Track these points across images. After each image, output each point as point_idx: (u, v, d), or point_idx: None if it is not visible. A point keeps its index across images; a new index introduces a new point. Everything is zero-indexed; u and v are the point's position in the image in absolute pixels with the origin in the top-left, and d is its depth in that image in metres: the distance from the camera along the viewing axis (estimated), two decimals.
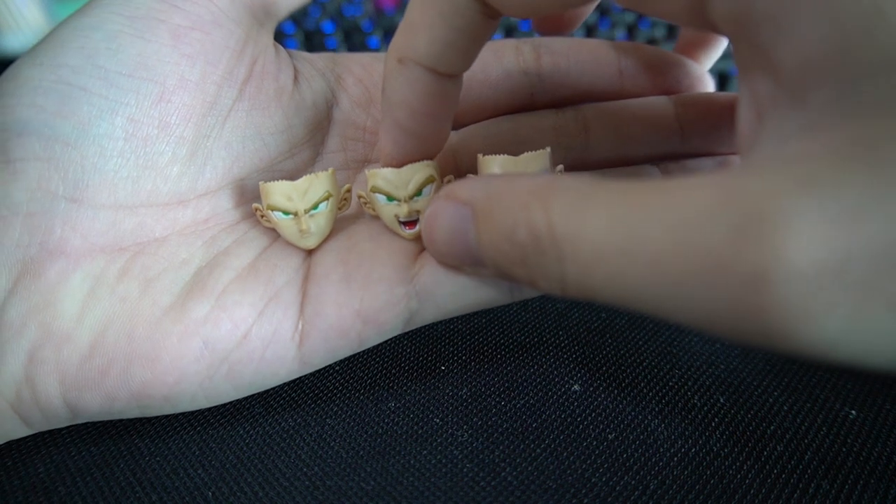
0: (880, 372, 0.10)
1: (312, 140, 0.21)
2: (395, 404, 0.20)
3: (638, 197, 0.11)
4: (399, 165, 0.18)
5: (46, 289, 0.16)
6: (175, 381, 0.17)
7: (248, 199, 0.20)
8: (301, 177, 0.19)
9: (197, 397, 0.17)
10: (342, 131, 0.21)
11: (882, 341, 0.09)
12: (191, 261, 0.18)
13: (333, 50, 0.41)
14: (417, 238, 0.19)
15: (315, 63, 0.22)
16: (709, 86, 0.22)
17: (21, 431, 0.17)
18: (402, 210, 0.18)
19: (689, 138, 0.21)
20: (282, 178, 0.19)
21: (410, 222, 0.19)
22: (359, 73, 0.22)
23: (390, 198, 0.18)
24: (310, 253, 0.19)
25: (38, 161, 0.16)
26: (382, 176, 0.18)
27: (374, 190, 0.18)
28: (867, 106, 0.10)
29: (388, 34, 0.41)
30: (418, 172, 0.19)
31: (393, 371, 0.21)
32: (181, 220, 0.18)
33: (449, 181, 0.20)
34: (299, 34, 0.42)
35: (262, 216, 0.19)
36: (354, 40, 0.41)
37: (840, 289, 0.09)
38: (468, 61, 0.17)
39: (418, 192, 0.18)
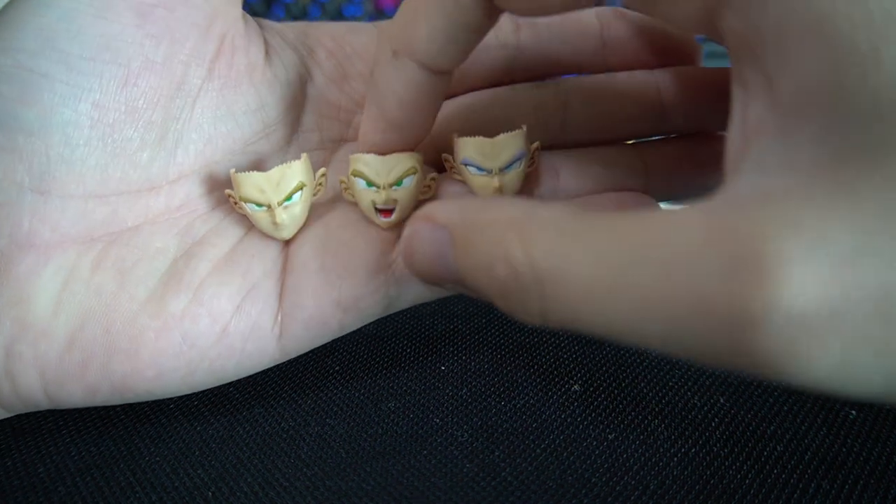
0: (867, 401, 0.10)
1: (287, 118, 0.20)
2: (395, 404, 0.20)
3: (623, 233, 0.11)
4: (380, 154, 0.18)
5: (18, 283, 0.16)
6: (155, 375, 0.17)
7: (222, 184, 0.19)
8: (276, 160, 0.18)
9: (180, 389, 0.17)
10: (317, 109, 0.21)
11: (867, 380, 0.10)
12: (166, 251, 0.18)
13: None
14: (391, 227, 0.19)
15: (285, 35, 0.21)
16: (698, 59, 0.21)
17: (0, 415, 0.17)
18: (380, 196, 0.18)
19: (671, 116, 0.20)
20: (256, 160, 0.19)
21: (386, 210, 0.18)
22: (330, 45, 0.21)
23: (370, 183, 0.18)
24: (287, 243, 0.19)
25: (1, 152, 0.16)
26: (365, 161, 0.18)
27: (355, 174, 0.18)
28: (851, 150, 0.10)
29: None
30: (401, 162, 0.18)
31: (393, 371, 0.21)
32: (154, 207, 0.18)
33: (433, 179, 0.20)
34: None
35: (236, 203, 0.18)
36: None
37: (830, 335, 0.09)
38: (462, 58, 0.17)
39: (398, 182, 0.18)
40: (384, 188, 0.18)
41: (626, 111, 0.20)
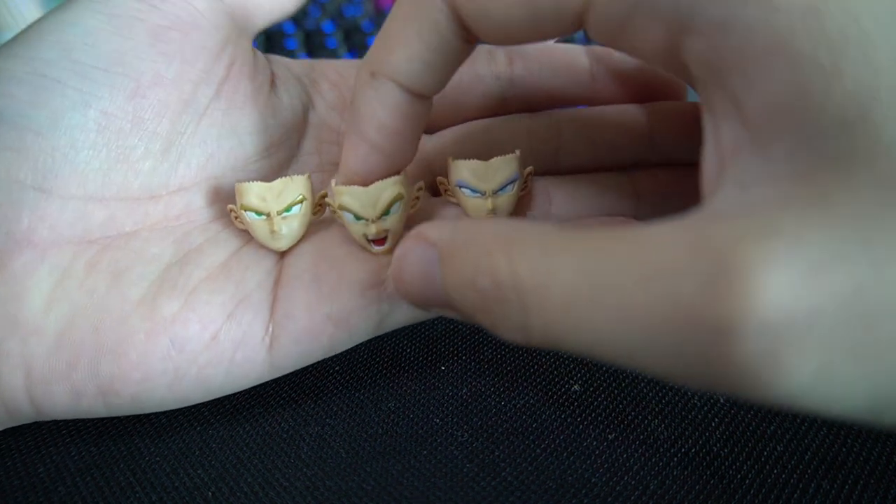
0: (845, 420, 0.10)
1: (288, 142, 0.21)
2: (395, 404, 0.20)
3: (605, 246, 0.11)
4: (363, 182, 0.18)
5: (12, 279, 0.16)
6: (142, 377, 0.16)
7: (223, 198, 0.19)
8: (277, 178, 0.19)
9: (166, 399, 0.17)
10: (317, 134, 0.22)
11: (848, 393, 0.10)
12: (161, 256, 0.18)
13: (333, 50, 0.41)
14: (387, 253, 0.18)
15: (292, 68, 0.22)
16: (683, 94, 0.22)
17: None
18: (371, 230, 0.18)
19: (660, 147, 0.21)
20: (257, 179, 0.20)
21: (380, 239, 0.18)
22: (334, 78, 0.22)
23: (358, 217, 0.18)
24: (282, 256, 0.19)
25: (8, 150, 0.16)
26: (351, 194, 0.18)
27: (342, 208, 0.18)
28: (823, 162, 0.10)
29: None
30: (386, 191, 0.18)
31: (393, 371, 0.21)
32: (152, 214, 0.18)
33: (420, 189, 0.19)
34: (299, 34, 0.42)
35: (236, 217, 0.19)
36: (354, 40, 0.41)
37: (807, 342, 0.09)
38: (441, 83, 0.17)
39: (386, 211, 0.18)
40: (373, 221, 0.18)
41: (616, 141, 0.21)
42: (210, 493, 0.17)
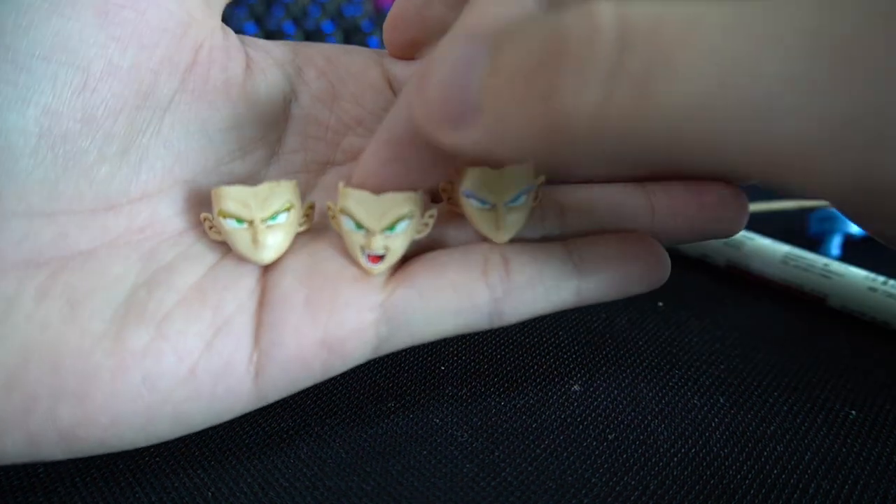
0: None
1: (266, 138, 0.19)
2: (395, 404, 0.20)
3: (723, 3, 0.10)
4: (376, 190, 0.16)
5: None
6: (110, 422, 0.14)
7: (193, 205, 0.17)
8: (252, 182, 0.17)
9: (137, 441, 0.15)
10: (302, 129, 0.19)
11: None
12: (124, 278, 0.15)
13: None
14: (378, 274, 0.16)
15: (272, 51, 0.19)
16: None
17: None
18: (371, 243, 0.16)
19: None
20: (231, 182, 0.17)
21: (376, 256, 0.16)
22: (322, 65, 0.20)
23: (359, 225, 0.16)
24: (265, 271, 0.17)
25: None
26: (357, 199, 0.16)
27: (344, 211, 0.16)
28: None
29: None
30: (399, 205, 0.16)
31: (393, 371, 0.21)
32: (112, 228, 0.16)
33: (432, 216, 0.17)
34: (299, 34, 0.42)
35: (212, 227, 0.17)
36: (354, 40, 0.41)
37: None
38: None
39: (392, 227, 0.16)
40: (376, 233, 0.16)
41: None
42: (210, 493, 0.17)
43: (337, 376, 0.21)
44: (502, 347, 0.22)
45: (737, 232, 0.19)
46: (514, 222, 0.17)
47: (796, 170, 0.10)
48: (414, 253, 0.17)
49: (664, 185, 0.19)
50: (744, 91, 0.10)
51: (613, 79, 0.10)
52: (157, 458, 0.18)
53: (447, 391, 0.20)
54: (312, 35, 0.42)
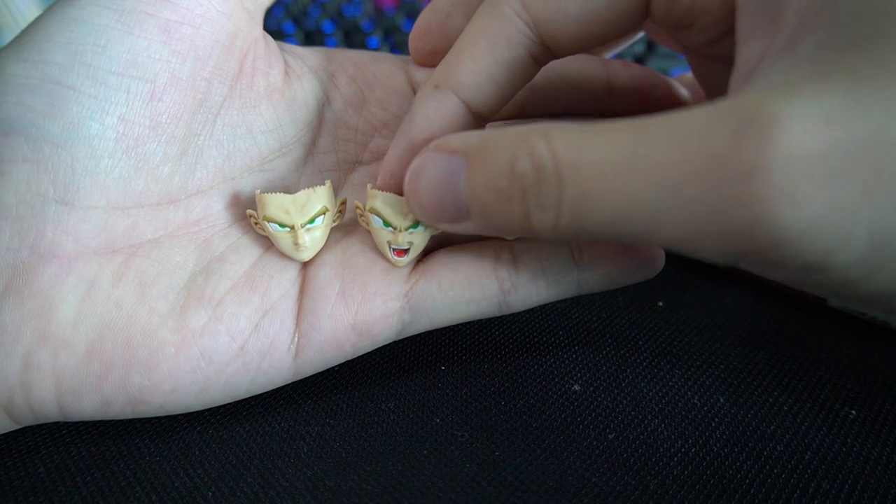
0: (838, 282, 0.11)
1: (303, 139, 0.21)
2: (395, 404, 0.20)
3: (639, 123, 0.12)
4: (397, 186, 0.18)
5: (40, 293, 0.16)
6: (171, 389, 0.17)
7: (240, 201, 0.19)
8: (292, 178, 0.19)
9: (192, 405, 0.17)
10: (333, 131, 0.21)
11: (852, 232, 0.11)
12: (184, 265, 0.18)
13: None
14: (404, 266, 0.19)
15: (307, 59, 0.21)
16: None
17: (6, 427, 0.17)
18: (397, 238, 0.18)
19: None
20: (273, 178, 0.20)
21: (401, 250, 0.18)
22: (352, 72, 0.22)
23: (386, 223, 0.18)
24: (305, 264, 0.19)
25: (26, 163, 0.16)
26: (384, 200, 0.18)
27: (373, 212, 0.18)
28: (849, 45, 0.11)
29: (388, 34, 0.41)
30: None
31: (393, 371, 0.21)
32: (173, 220, 0.18)
33: None
34: (299, 34, 0.42)
35: (256, 223, 0.19)
36: (354, 40, 0.41)
37: (823, 175, 0.10)
38: (499, 104, 0.17)
39: (415, 224, 0.18)
40: (401, 230, 0.18)
41: None
42: (210, 493, 0.17)
43: (337, 376, 0.21)
44: (502, 348, 0.22)
45: None
46: (416, 246, 0.19)
47: (682, 245, 0.13)
48: (434, 247, 0.19)
49: None
50: (639, 215, 0.12)
51: (560, 207, 0.13)
52: (158, 458, 0.18)
53: (447, 391, 0.20)
54: (312, 35, 0.42)
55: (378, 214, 0.18)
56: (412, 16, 0.42)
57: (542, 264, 0.19)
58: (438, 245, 0.20)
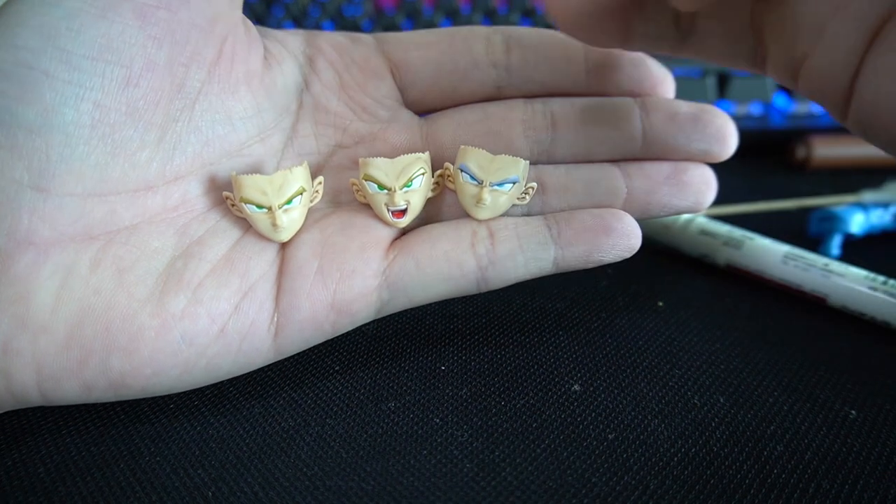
0: None
1: (282, 124, 0.21)
2: (395, 404, 0.20)
3: None
4: (389, 157, 0.19)
5: (17, 280, 0.16)
6: (153, 373, 0.17)
7: (218, 186, 0.19)
8: (271, 163, 0.19)
9: (174, 387, 0.18)
10: (313, 116, 0.21)
11: None
12: (163, 250, 0.18)
13: None
14: (404, 226, 0.20)
15: (287, 43, 0.21)
16: (670, 88, 0.22)
17: None
18: (394, 199, 0.19)
19: (651, 144, 0.21)
20: (252, 163, 0.20)
21: (399, 211, 0.19)
22: (331, 55, 0.22)
23: (381, 186, 0.19)
24: (283, 245, 0.19)
25: (0, 149, 0.16)
26: (376, 165, 0.19)
27: (367, 178, 0.19)
28: None
29: None
30: (411, 164, 0.19)
31: (393, 371, 0.21)
32: (151, 207, 0.18)
33: (441, 175, 0.20)
34: None
35: (233, 205, 0.19)
36: None
37: None
38: None
39: (408, 183, 0.19)
40: (396, 190, 0.19)
41: (607, 136, 0.21)
42: (210, 493, 0.17)
43: (337, 376, 0.21)
44: (502, 347, 0.22)
45: (704, 208, 0.22)
46: (493, 202, 0.20)
47: None
48: (412, 226, 0.20)
49: (638, 164, 0.21)
50: None
51: None
52: (158, 458, 0.18)
53: (447, 391, 0.20)
54: None
55: (372, 179, 0.19)
56: (412, 16, 0.42)
57: (519, 241, 0.19)
58: (418, 224, 0.20)
